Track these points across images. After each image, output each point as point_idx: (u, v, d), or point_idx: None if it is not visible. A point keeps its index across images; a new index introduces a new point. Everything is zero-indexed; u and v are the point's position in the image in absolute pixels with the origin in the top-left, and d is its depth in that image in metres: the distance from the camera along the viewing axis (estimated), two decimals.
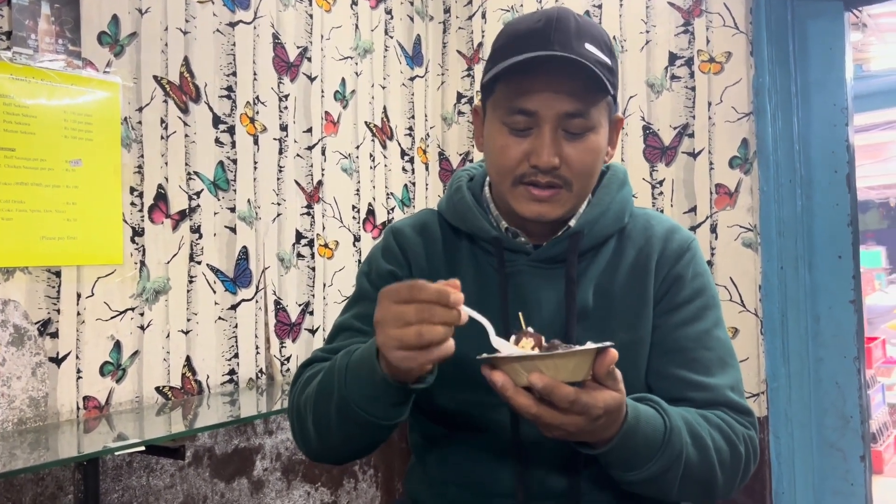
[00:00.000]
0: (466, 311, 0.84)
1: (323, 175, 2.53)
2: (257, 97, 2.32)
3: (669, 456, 0.92)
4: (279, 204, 2.38)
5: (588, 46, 0.99)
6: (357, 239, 2.67)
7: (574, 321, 1.03)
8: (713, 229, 2.42)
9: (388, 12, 2.84)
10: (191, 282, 2.12)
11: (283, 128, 2.40)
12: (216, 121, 2.19)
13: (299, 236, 2.45)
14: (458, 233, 1.15)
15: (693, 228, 2.46)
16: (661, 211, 2.45)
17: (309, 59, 2.50)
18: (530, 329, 0.88)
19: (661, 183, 2.53)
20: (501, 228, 1.12)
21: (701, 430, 0.97)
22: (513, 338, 0.88)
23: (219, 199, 2.20)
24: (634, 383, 1.02)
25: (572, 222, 1.10)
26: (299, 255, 2.45)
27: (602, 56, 1.01)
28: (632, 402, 0.92)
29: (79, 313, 1.86)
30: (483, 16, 2.95)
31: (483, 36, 2.95)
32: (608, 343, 0.84)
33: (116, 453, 1.62)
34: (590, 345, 0.83)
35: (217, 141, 2.20)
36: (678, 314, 1.07)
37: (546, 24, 1.00)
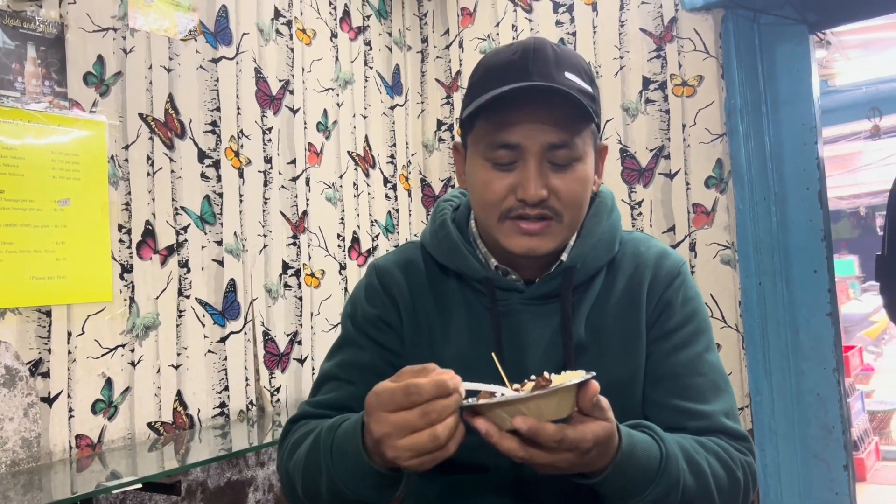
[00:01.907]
0: (466, 387, 0.80)
1: (308, 205, 2.56)
2: (241, 131, 2.35)
3: (667, 483, 0.90)
4: (265, 235, 2.40)
5: (568, 75, 0.97)
6: (343, 267, 2.69)
7: (572, 358, 1.00)
8: (692, 248, 2.48)
9: (367, 43, 2.89)
10: (180, 316, 2.13)
11: (268, 160, 2.43)
12: (201, 155, 2.22)
13: (286, 267, 2.47)
14: (445, 270, 1.10)
15: (672, 247, 2.51)
16: (641, 231, 2.50)
17: (291, 92, 2.54)
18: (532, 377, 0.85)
19: (639, 204, 2.58)
20: (491, 266, 1.07)
21: (698, 457, 0.95)
22: (515, 385, 0.85)
23: (206, 233, 2.21)
24: (633, 417, 0.98)
25: (564, 256, 1.06)
26: (286, 286, 2.47)
27: (583, 84, 0.98)
28: (626, 429, 0.90)
29: (70, 352, 1.86)
30: (460, 45, 3.01)
31: (461, 64, 3.01)
32: (588, 375, 0.81)
33: (113, 492, 1.62)
34: (570, 381, 0.80)
35: (203, 175, 2.22)
36: (669, 341, 1.04)
37: (523, 55, 0.98)
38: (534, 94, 0.95)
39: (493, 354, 0.92)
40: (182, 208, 2.15)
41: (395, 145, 2.99)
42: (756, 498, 2.36)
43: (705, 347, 1.06)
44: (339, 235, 2.69)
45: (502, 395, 0.83)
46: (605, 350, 1.03)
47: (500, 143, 0.98)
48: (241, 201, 2.33)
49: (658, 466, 0.89)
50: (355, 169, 2.78)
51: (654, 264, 1.08)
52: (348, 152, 2.76)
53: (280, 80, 2.50)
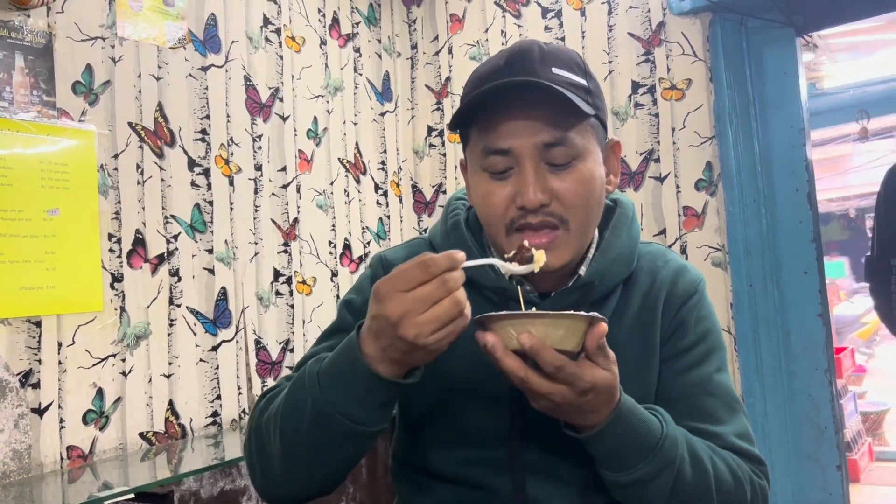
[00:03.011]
0: (470, 263, 0.82)
1: (298, 212, 2.56)
2: (231, 139, 2.34)
3: (661, 462, 0.88)
4: (256, 243, 2.40)
5: (556, 70, 0.93)
6: (335, 274, 2.69)
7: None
8: (683, 250, 2.49)
9: (357, 50, 2.90)
10: (171, 325, 2.12)
11: (258, 168, 2.43)
12: (191, 164, 2.21)
13: (277, 274, 2.46)
14: None
15: None
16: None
17: (281, 100, 2.54)
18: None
19: None
20: (505, 276, 0.99)
21: (702, 454, 0.92)
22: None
23: (196, 242, 2.21)
24: None
25: (583, 270, 1.01)
26: (278, 293, 2.46)
27: (574, 77, 0.94)
28: (629, 397, 0.89)
29: (60, 362, 1.85)
30: (450, 51, 3.02)
31: (451, 70, 3.02)
32: (599, 316, 0.82)
33: (105, 503, 1.61)
34: (580, 313, 0.81)
35: (193, 184, 2.21)
36: (680, 361, 1.01)
37: (508, 58, 0.95)
38: (519, 94, 0.92)
39: (517, 286, 0.92)
40: (172, 217, 2.15)
41: (385, 152, 2.99)
42: None
43: (717, 367, 1.02)
44: (330, 242, 2.68)
45: None
46: (620, 368, 0.98)
47: (491, 150, 0.94)
48: (231, 209, 2.32)
49: (655, 442, 0.88)
50: (346, 176, 2.78)
51: (670, 282, 1.04)
52: (339, 159, 2.76)
53: (270, 88, 2.50)
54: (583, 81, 0.95)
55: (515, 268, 0.89)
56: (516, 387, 0.84)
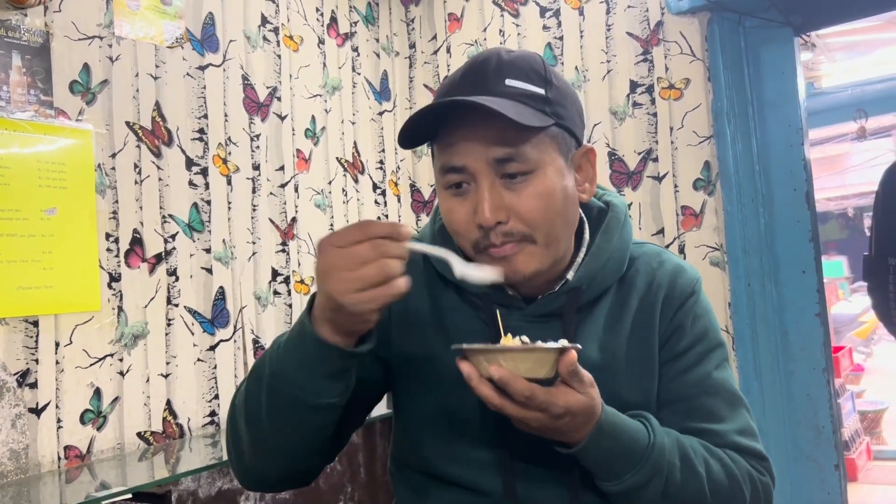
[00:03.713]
0: (419, 247, 0.83)
1: (296, 212, 2.56)
2: (229, 138, 2.34)
3: (650, 470, 0.89)
4: (254, 243, 2.39)
5: (510, 82, 0.91)
6: None
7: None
8: (681, 250, 2.49)
9: (355, 50, 2.89)
10: (169, 324, 2.11)
11: (256, 167, 2.42)
12: (189, 163, 2.21)
13: (275, 274, 2.46)
14: (444, 279, 1.04)
15: None
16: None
17: (279, 99, 2.53)
18: (524, 337, 0.88)
19: (628, 207, 2.59)
20: (457, 277, 0.96)
21: (694, 457, 0.93)
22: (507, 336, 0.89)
23: (194, 241, 2.20)
24: None
25: (570, 275, 1.00)
26: (276, 293, 2.46)
27: (530, 87, 0.92)
28: (612, 410, 0.90)
29: (58, 362, 1.85)
30: (448, 50, 3.02)
31: (449, 70, 3.01)
32: (570, 345, 0.83)
33: (102, 502, 1.61)
34: (551, 344, 0.84)
35: (191, 183, 2.21)
36: (679, 362, 1.01)
37: (465, 72, 0.95)
38: (467, 110, 0.90)
39: (496, 311, 0.93)
40: (170, 216, 2.14)
41: (383, 151, 2.99)
42: None
43: (716, 366, 1.02)
44: None
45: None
46: (620, 373, 0.99)
47: (447, 167, 0.94)
48: (229, 209, 2.32)
49: (642, 453, 0.90)
50: (344, 175, 2.78)
51: (668, 283, 1.03)
52: (337, 158, 2.76)
53: (267, 87, 2.50)
54: (539, 91, 0.93)
55: (471, 271, 0.89)
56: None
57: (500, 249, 0.93)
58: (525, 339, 0.88)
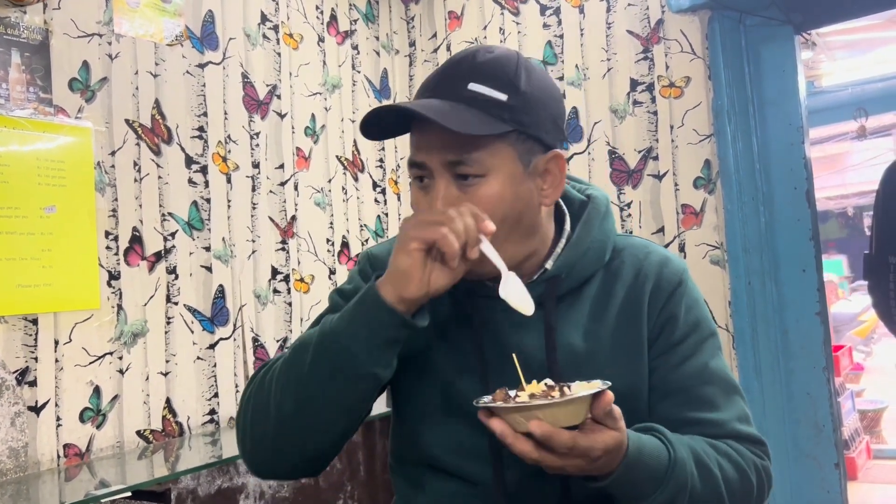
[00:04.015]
0: (487, 249, 0.91)
1: (296, 210, 2.55)
2: (229, 136, 2.34)
3: (675, 487, 0.91)
4: (254, 241, 2.39)
5: (473, 87, 0.94)
6: (332, 272, 2.68)
7: (557, 368, 0.99)
8: (681, 248, 2.48)
9: (355, 48, 2.89)
10: (168, 323, 2.11)
11: (256, 165, 2.42)
12: (189, 161, 2.21)
13: (275, 272, 2.46)
14: None
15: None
16: (630, 233, 2.51)
17: (278, 97, 2.53)
18: (549, 381, 0.89)
19: (629, 205, 2.59)
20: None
21: (708, 461, 0.95)
22: (523, 383, 0.89)
23: (194, 239, 2.20)
24: None
25: (549, 264, 1.03)
26: (275, 291, 2.45)
27: (492, 93, 0.94)
28: (635, 434, 0.91)
29: (57, 360, 1.84)
30: (448, 48, 3.01)
31: None
32: (603, 385, 0.84)
33: (101, 500, 1.61)
34: (585, 390, 0.84)
35: (190, 181, 2.21)
36: (674, 354, 1.03)
37: (438, 71, 0.99)
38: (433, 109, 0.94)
39: (513, 356, 0.93)
40: (169, 214, 2.14)
41: (383, 149, 2.99)
42: None
43: (711, 355, 1.05)
44: (328, 240, 2.68)
45: (516, 395, 0.86)
46: (605, 361, 1.01)
47: (410, 162, 0.99)
48: (229, 207, 2.32)
49: (666, 471, 0.91)
50: (344, 173, 2.78)
51: (655, 274, 1.05)
52: (337, 157, 2.75)
53: (267, 85, 2.49)
54: (500, 97, 0.94)
55: (512, 296, 0.93)
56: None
57: None
58: (549, 381, 0.88)
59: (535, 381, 0.88)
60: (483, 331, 1.03)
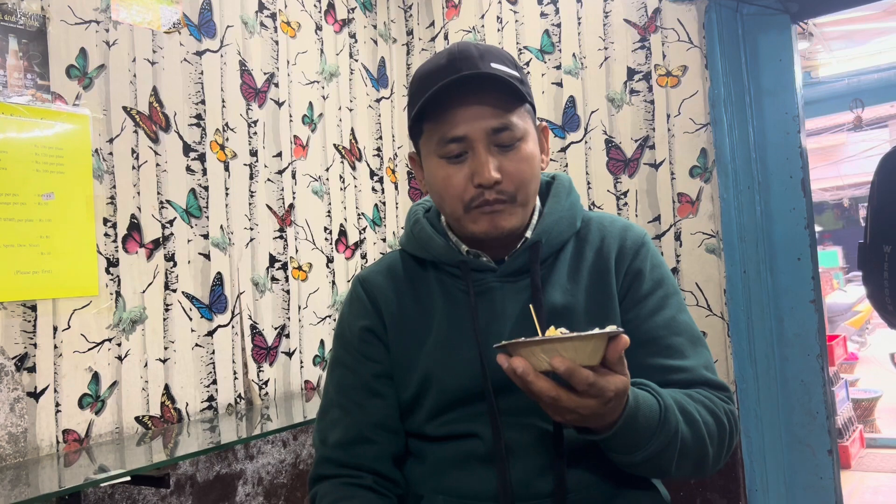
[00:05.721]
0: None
1: (294, 198, 2.56)
2: (226, 124, 2.34)
3: (667, 434, 0.96)
4: (252, 229, 2.40)
5: (494, 65, 1.06)
6: (330, 260, 2.69)
7: (544, 325, 1.07)
8: (677, 237, 2.50)
9: (353, 36, 2.89)
10: (167, 310, 2.12)
11: (253, 153, 2.42)
12: (186, 149, 2.21)
13: (273, 260, 2.47)
14: (423, 264, 1.20)
15: (658, 237, 2.53)
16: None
17: (276, 85, 2.53)
18: (563, 329, 0.92)
19: (625, 194, 2.60)
20: (463, 252, 1.17)
21: (689, 407, 1.02)
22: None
23: (192, 227, 2.21)
24: None
25: (529, 234, 1.15)
26: (273, 279, 2.46)
27: (509, 70, 1.08)
28: (632, 388, 0.96)
29: (56, 346, 1.85)
30: (446, 37, 3.01)
31: None
32: (620, 329, 0.88)
33: (100, 485, 1.61)
34: (606, 330, 0.87)
35: (188, 169, 2.21)
36: (644, 306, 1.13)
37: (449, 58, 1.08)
38: (467, 87, 1.05)
39: (530, 307, 1.03)
40: (168, 202, 2.14)
41: (381, 138, 2.99)
42: (742, 482, 2.39)
43: (678, 309, 1.15)
44: (325, 228, 2.68)
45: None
46: (581, 314, 1.11)
47: (448, 139, 1.07)
48: (227, 195, 2.32)
49: (658, 419, 0.96)
50: (342, 162, 2.78)
51: (619, 236, 1.18)
52: (334, 145, 2.76)
53: (265, 73, 2.49)
54: (516, 74, 1.09)
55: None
56: (542, 407, 0.91)
57: (492, 206, 1.08)
58: (564, 330, 0.91)
59: (552, 327, 0.92)
60: (479, 301, 1.13)
